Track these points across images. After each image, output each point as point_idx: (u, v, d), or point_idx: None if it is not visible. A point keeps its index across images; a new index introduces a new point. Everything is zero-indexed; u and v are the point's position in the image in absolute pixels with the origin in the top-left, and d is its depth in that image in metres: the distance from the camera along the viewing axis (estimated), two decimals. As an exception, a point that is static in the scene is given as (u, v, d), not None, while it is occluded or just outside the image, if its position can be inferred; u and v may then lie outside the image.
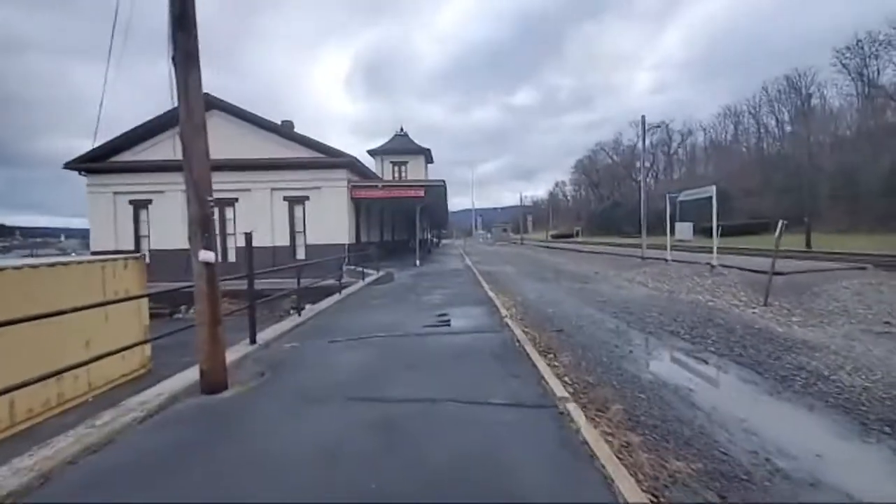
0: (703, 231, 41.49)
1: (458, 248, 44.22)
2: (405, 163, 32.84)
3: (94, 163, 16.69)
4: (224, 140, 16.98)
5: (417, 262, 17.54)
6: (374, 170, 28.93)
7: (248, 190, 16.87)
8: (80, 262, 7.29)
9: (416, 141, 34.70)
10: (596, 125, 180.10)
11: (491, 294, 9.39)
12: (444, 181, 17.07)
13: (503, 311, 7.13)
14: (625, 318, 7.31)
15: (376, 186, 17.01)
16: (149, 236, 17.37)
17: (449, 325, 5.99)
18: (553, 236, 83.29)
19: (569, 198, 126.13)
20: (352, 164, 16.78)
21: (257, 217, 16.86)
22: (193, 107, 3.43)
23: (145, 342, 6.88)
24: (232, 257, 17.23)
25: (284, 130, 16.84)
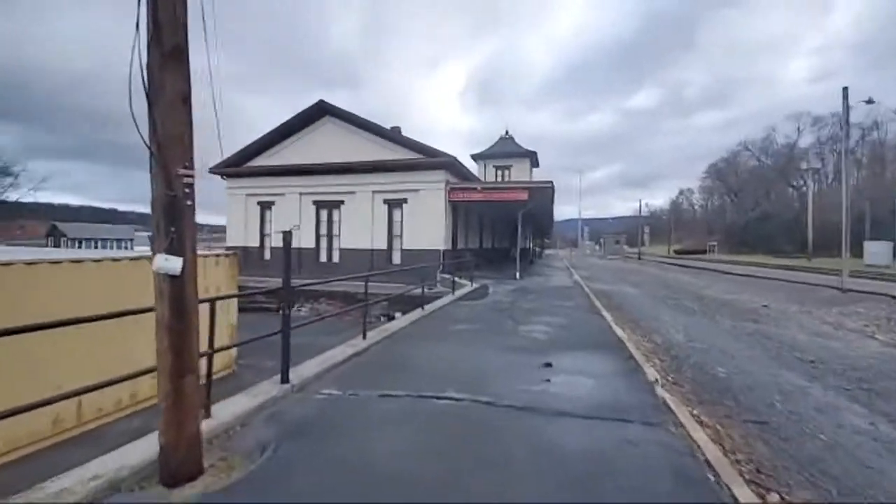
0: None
1: (562, 259, 40.41)
2: (509, 167, 30.91)
3: (231, 167, 18.56)
4: (334, 145, 17.35)
5: (517, 275, 15.41)
6: (477, 175, 27.68)
7: (353, 192, 16.86)
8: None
9: (523, 145, 32.51)
10: (731, 125, 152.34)
11: (616, 330, 6.87)
12: (551, 182, 14.69)
13: (645, 368, 4.69)
14: (876, 404, 4.22)
15: (475, 188, 15.45)
16: (271, 234, 18.63)
17: (559, 394, 3.81)
18: (677, 252, 71.86)
19: (696, 207, 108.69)
20: (451, 165, 15.53)
21: (359, 219, 16.74)
22: (165, 19, 2.06)
23: (229, 347, 6.34)
24: (336, 258, 17.42)
25: (387, 132, 16.43)
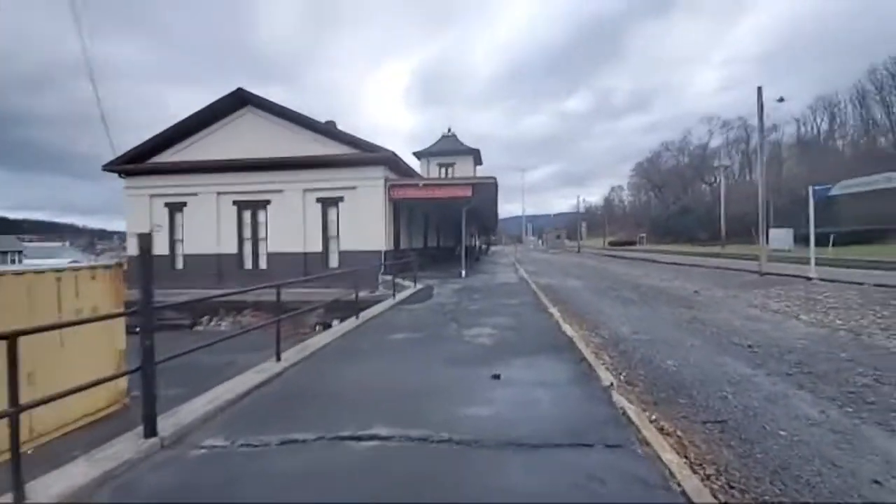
0: (803, 239, 34.80)
1: (508, 255, 41.09)
2: (452, 164, 30.60)
3: (130, 164, 16.09)
4: (257, 138, 15.68)
5: (463, 273, 14.96)
6: (420, 173, 26.95)
7: (281, 191, 15.36)
8: (21, 274, 5.52)
9: (466, 143, 32.37)
10: (654, 128, 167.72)
11: (565, 327, 6.54)
12: (494, 178, 14.42)
13: (599, 371, 4.29)
14: (820, 388, 4.16)
15: (416, 185, 14.74)
16: (183, 240, 16.43)
17: (509, 418, 3.19)
18: (611, 244, 76.79)
19: (625, 203, 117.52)
20: (390, 161, 14.68)
21: (289, 220, 15.28)
22: None
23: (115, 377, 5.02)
24: (264, 264, 15.76)
25: (319, 125, 15.15)
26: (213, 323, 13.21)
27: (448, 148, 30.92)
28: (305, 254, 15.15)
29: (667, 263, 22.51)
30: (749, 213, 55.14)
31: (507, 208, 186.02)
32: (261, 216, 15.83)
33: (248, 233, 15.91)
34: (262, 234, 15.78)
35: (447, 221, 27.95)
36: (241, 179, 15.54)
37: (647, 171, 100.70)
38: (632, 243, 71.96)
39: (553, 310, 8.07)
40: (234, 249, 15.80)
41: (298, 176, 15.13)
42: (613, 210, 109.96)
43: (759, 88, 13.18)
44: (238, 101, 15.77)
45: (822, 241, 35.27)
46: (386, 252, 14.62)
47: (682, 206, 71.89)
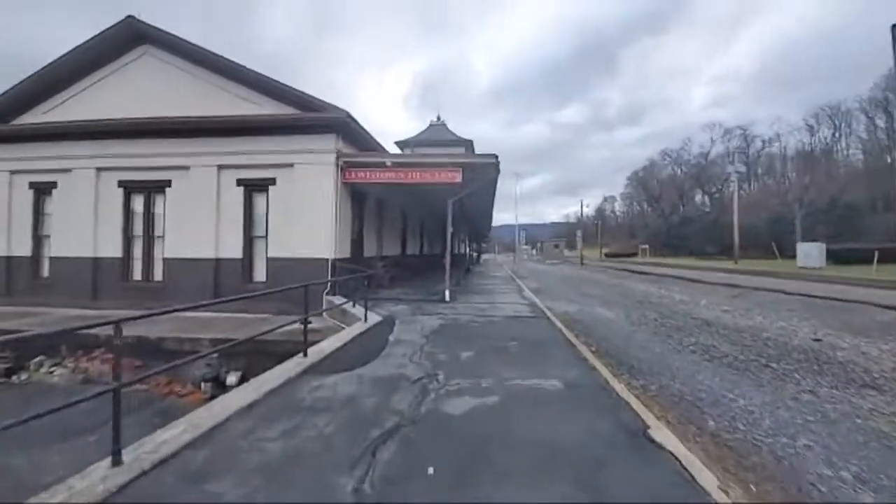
0: (832, 255, 30.93)
1: (502, 266, 36.52)
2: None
3: (-26, 124, 11.13)
4: (159, 92, 10.86)
5: (447, 295, 10.28)
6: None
7: (186, 168, 10.54)
8: None
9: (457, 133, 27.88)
10: (646, 140, 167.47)
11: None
12: (496, 156, 9.88)
13: None
14: None
15: (383, 163, 10.07)
16: (51, 236, 11.45)
17: None
18: (607, 255, 73.19)
19: (617, 214, 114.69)
20: (343, 126, 10.00)
21: (197, 211, 10.45)
22: None
23: None
24: (159, 275, 10.86)
25: (241, 72, 10.42)
26: (43, 370, 8.24)
27: (436, 137, 26.39)
28: (218, 261, 10.31)
29: (702, 283, 18.16)
30: (757, 226, 52.02)
31: (499, 217, 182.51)
32: (157, 204, 10.96)
33: (138, 228, 11.01)
34: (157, 230, 10.90)
35: (433, 221, 23.34)
36: (131, 149, 10.70)
37: (642, 180, 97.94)
38: (631, 255, 68.23)
39: (634, 401, 3.48)
40: (117, 252, 10.88)
41: (212, 146, 10.36)
42: (605, 220, 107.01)
43: (894, 27, 8.86)
44: (131, 35, 10.98)
45: (850, 258, 31.63)
46: (336, 262, 9.89)
47: (683, 216, 68.56)
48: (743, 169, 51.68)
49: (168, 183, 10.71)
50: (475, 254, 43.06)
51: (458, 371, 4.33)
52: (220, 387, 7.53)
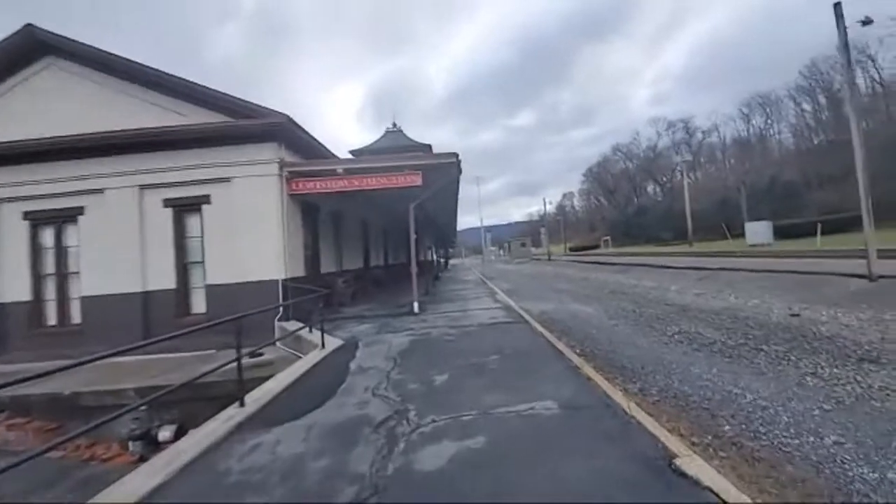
0: (780, 232, 32.88)
1: (471, 269, 36.08)
2: (400, 164, 25.27)
3: None
4: (70, 107, 9.40)
5: (416, 307, 9.49)
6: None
7: (100, 191, 9.14)
8: None
9: (415, 139, 27.22)
10: (597, 139, 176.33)
11: None
12: (456, 154, 9.28)
13: None
14: None
15: (333, 171, 9.17)
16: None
17: None
18: (571, 249, 75.03)
19: (577, 209, 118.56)
20: (285, 132, 9.03)
21: (117, 238, 9.06)
22: None
23: None
24: (77, 316, 9.32)
25: (168, 80, 9.21)
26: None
27: (393, 145, 25.58)
28: (147, 294, 8.96)
29: (668, 268, 18.43)
30: (707, 210, 55.03)
31: (463, 220, 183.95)
32: (70, 236, 9.45)
33: (49, 265, 9.44)
34: (72, 265, 9.38)
35: (397, 229, 22.49)
36: (36, 175, 9.18)
37: (598, 175, 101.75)
38: (594, 247, 70.18)
39: (647, 420, 2.90)
40: (24, 295, 9.25)
41: (131, 164, 9.05)
42: (567, 216, 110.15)
43: (837, 4, 9.13)
44: (32, 46, 9.48)
45: (794, 233, 33.81)
46: (289, 283, 8.86)
47: (639, 206, 71.52)
48: (689, 158, 54.58)
49: (80, 210, 9.25)
50: (443, 259, 42.46)
51: (432, 403, 3.57)
52: (152, 444, 6.38)
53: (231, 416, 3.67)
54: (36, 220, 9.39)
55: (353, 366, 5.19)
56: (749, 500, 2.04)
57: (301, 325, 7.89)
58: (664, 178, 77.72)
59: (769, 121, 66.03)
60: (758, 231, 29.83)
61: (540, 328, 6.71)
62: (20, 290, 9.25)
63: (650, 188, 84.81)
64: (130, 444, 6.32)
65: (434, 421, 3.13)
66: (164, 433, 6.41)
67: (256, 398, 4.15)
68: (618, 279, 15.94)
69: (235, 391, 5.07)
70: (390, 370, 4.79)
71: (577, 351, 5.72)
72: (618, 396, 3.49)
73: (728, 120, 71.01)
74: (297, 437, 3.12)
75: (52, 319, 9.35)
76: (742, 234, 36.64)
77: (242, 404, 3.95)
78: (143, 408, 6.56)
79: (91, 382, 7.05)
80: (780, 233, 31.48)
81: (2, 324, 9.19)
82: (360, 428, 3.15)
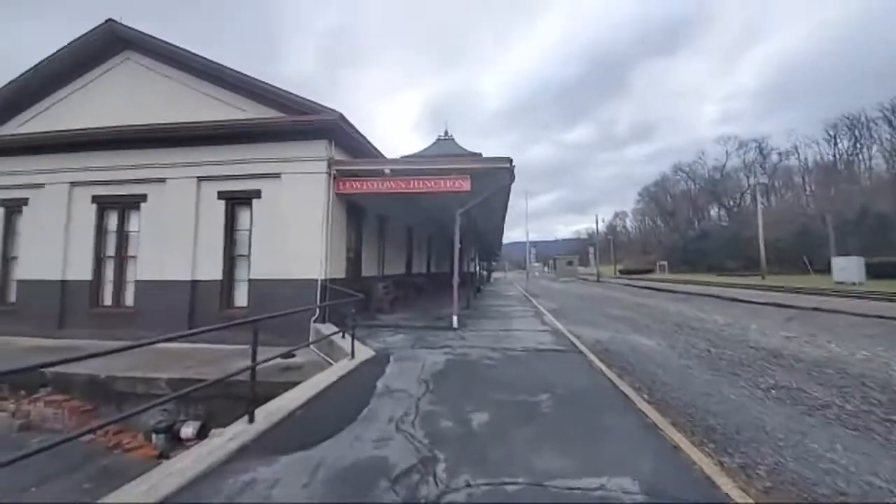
0: (870, 270, 28.52)
1: (513, 284, 34.87)
2: (449, 172, 24.94)
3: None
4: (142, 99, 9.87)
5: (455, 322, 8.83)
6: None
7: (162, 181, 9.47)
8: None
9: (468, 148, 26.88)
10: (654, 157, 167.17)
11: None
12: (510, 159, 8.59)
13: None
14: None
15: (381, 171, 8.84)
16: (18, 258, 10.40)
17: None
18: (621, 272, 70.85)
19: (629, 230, 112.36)
20: (335, 130, 8.84)
21: (174, 228, 9.30)
22: None
23: None
24: (131, 299, 9.67)
25: (225, 75, 9.42)
26: (-25, 414, 6.94)
27: (444, 152, 25.32)
28: (195, 283, 9.07)
29: (734, 301, 16.33)
30: (783, 240, 49.50)
31: (508, 234, 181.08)
32: (132, 221, 9.86)
33: (110, 248, 9.90)
34: (131, 249, 9.76)
35: (441, 237, 22.09)
36: (106, 162, 9.72)
37: (655, 195, 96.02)
38: (647, 271, 65.77)
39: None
40: (87, 275, 9.75)
41: (191, 156, 9.29)
42: (617, 237, 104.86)
43: None
44: (112, 41, 10.15)
45: (888, 272, 29.17)
46: (328, 284, 8.57)
47: (701, 231, 66.17)
48: (765, 180, 49.55)
49: (143, 197, 9.62)
50: (486, 272, 41.51)
51: (468, 455, 2.86)
52: (175, 439, 6.19)
53: (235, 434, 3.19)
54: (103, 204, 9.90)
55: (380, 385, 4.61)
56: None
57: (336, 329, 7.51)
58: (731, 202, 71.58)
59: (858, 144, 58.72)
60: (846, 267, 26.05)
61: (597, 362, 5.77)
62: (83, 270, 9.75)
63: (714, 212, 78.40)
64: (154, 436, 6.17)
65: (469, 485, 2.42)
66: (187, 430, 6.21)
67: (269, 413, 3.67)
68: (680, 309, 14.27)
69: (264, 394, 4.76)
70: (421, 396, 4.15)
71: (646, 397, 4.75)
72: (721, 479, 2.58)
73: (810, 142, 64.21)
74: (299, 477, 2.55)
75: (108, 300, 9.75)
76: (825, 270, 32.38)
77: (252, 419, 3.48)
78: (170, 403, 6.48)
79: (131, 367, 7.08)
80: (872, 271, 27.33)
81: (64, 300, 9.70)
82: (376, 478, 2.52)
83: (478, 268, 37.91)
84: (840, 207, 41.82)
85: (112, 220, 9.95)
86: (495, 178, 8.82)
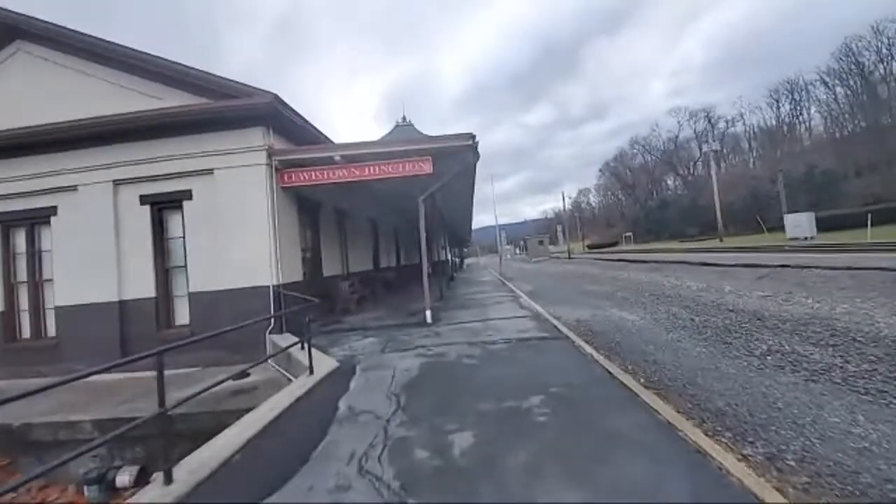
0: (820, 224, 30.19)
1: (488, 269, 34.58)
2: (411, 159, 23.95)
3: None
4: (41, 95, 8.38)
5: (428, 317, 8.15)
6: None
7: (73, 188, 8.08)
8: None
9: (428, 133, 25.88)
10: (612, 135, 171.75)
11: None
12: (472, 135, 7.90)
13: None
14: None
15: (331, 159, 7.89)
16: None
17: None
18: (589, 247, 72.67)
19: (593, 205, 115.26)
20: (272, 114, 7.77)
21: (91, 243, 7.97)
22: None
23: None
24: (51, 328, 8.31)
25: (148, 61, 8.07)
26: None
27: (403, 138, 24.26)
28: (122, 304, 7.85)
29: (703, 265, 16.61)
30: (736, 203, 51.95)
31: (477, 219, 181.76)
32: (43, 239, 8.44)
33: (21, 272, 8.45)
34: (46, 272, 8.37)
35: (409, 227, 21.24)
36: (5, 172, 8.19)
37: (615, 170, 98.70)
38: (613, 244, 67.66)
39: None
40: (-6, 305, 8.28)
41: (105, 157, 7.95)
42: (583, 213, 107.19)
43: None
44: (1, 31, 8.50)
45: (837, 225, 31.08)
46: (283, 289, 7.61)
47: (661, 201, 68.52)
48: (717, 147, 51.59)
49: (53, 210, 8.21)
50: (458, 259, 41.01)
51: (450, 500, 2.19)
52: (111, 489, 5.24)
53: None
54: (6, 223, 8.41)
55: (342, 405, 3.86)
56: None
57: (295, 339, 6.63)
58: (686, 171, 74.48)
59: (798, 107, 62.25)
60: (799, 223, 27.44)
61: (587, 348, 5.25)
62: (-12, 301, 8.28)
63: (670, 181, 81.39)
64: (86, 488, 5.18)
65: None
66: (123, 477, 5.26)
67: (195, 467, 2.84)
68: (654, 279, 14.25)
69: (211, 426, 4.03)
70: (390, 417, 3.44)
71: (642, 381, 4.27)
72: (770, 495, 2.03)
73: (754, 108, 67.55)
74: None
75: (26, 332, 8.36)
76: (778, 228, 34.12)
77: (169, 479, 2.65)
78: (101, 445, 5.47)
79: (52, 410, 5.96)
80: (822, 225, 29.01)
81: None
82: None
83: (449, 255, 37.34)
84: (787, 167, 44.14)
85: (20, 240, 8.48)
86: (458, 157, 8.09)
